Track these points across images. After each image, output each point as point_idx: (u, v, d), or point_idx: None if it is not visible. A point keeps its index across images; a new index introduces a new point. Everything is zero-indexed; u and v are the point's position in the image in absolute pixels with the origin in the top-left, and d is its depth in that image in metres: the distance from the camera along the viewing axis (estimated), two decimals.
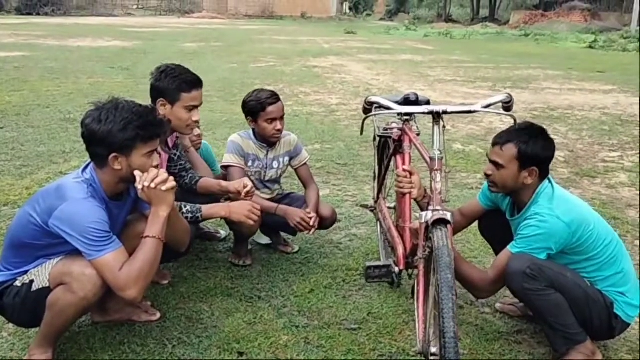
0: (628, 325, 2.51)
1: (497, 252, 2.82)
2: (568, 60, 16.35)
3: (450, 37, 25.96)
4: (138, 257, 2.23)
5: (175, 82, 2.83)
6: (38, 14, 37.55)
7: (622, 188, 5.08)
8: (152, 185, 2.25)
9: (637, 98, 9.79)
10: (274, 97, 3.31)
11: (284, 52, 17.12)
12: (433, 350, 2.05)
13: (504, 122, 7.62)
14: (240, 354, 2.54)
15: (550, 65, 15.09)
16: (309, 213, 3.24)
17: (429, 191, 2.48)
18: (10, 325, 2.60)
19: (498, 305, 2.96)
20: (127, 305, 2.72)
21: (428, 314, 2.16)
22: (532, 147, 2.41)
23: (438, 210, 2.15)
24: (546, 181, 2.50)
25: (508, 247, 2.45)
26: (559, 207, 2.40)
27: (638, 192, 4.94)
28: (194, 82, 2.89)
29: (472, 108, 2.35)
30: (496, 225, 2.74)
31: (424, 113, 2.31)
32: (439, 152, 2.22)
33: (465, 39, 25.27)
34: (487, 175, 2.54)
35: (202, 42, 19.70)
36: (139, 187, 2.27)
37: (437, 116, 2.25)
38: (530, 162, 2.42)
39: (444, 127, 2.25)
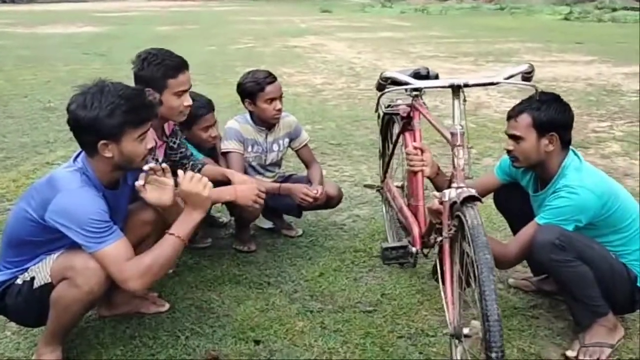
0: None
1: (512, 225, 2.79)
2: (545, 32, 16.32)
3: (426, 13, 25.74)
4: (152, 251, 2.13)
5: (160, 69, 2.62)
6: (4, 2, 36.48)
7: (617, 157, 5.08)
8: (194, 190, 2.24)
9: (619, 68, 9.80)
10: (272, 77, 3.24)
11: (261, 32, 16.85)
12: (466, 331, 1.98)
13: (490, 97, 7.59)
14: (257, 342, 2.47)
15: (529, 38, 15.04)
16: (314, 189, 3.17)
17: (444, 168, 2.41)
18: (12, 323, 2.48)
19: (511, 280, 2.93)
20: (134, 298, 2.63)
21: (456, 295, 2.10)
22: (545, 112, 2.38)
23: (462, 187, 2.08)
24: (571, 153, 2.45)
25: (535, 219, 2.40)
26: (589, 178, 2.36)
27: (638, 162, 4.93)
28: (179, 66, 2.68)
29: (493, 80, 2.27)
30: (513, 198, 2.70)
31: (444, 87, 2.22)
32: (460, 127, 2.13)
33: (441, 14, 25.07)
34: (508, 152, 2.49)
35: (177, 25, 19.27)
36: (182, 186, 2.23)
37: (457, 89, 2.16)
38: (547, 127, 2.38)
39: (464, 100, 2.17)
